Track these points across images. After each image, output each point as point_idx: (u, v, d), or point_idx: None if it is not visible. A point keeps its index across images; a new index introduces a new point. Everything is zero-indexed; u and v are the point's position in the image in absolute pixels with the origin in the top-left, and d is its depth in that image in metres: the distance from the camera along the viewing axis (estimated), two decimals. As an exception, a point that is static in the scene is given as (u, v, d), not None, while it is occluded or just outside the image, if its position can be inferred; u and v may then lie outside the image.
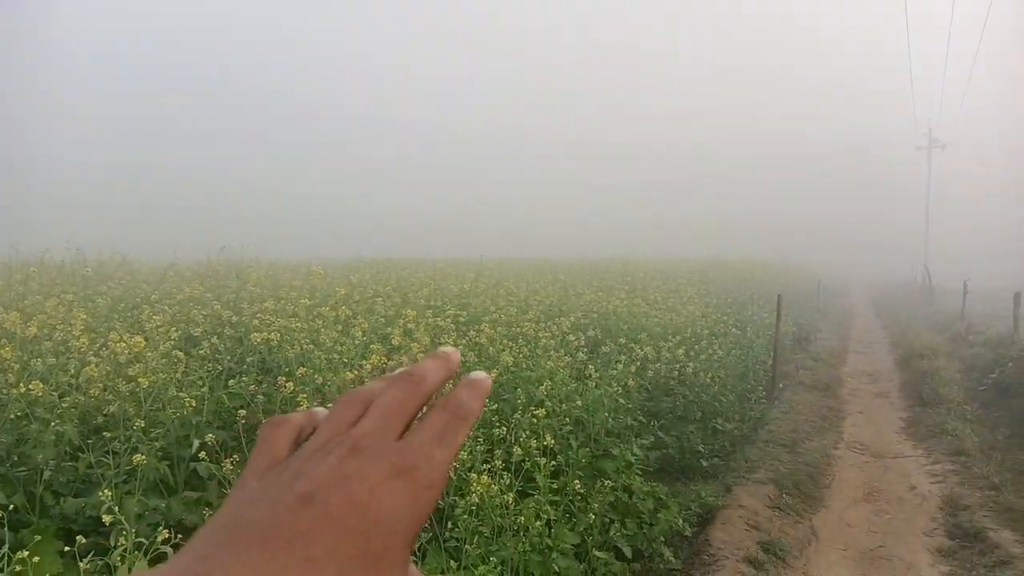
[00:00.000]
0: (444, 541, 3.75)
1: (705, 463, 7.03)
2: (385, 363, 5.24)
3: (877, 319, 23.54)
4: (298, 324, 6.29)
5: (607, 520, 4.78)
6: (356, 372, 4.89)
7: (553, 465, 4.76)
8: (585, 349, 7.15)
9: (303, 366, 5.02)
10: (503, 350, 6.26)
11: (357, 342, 5.70)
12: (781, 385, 10.34)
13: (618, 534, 4.67)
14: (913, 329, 18.13)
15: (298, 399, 4.27)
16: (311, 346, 5.52)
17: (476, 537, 3.58)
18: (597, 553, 4.36)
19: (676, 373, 7.92)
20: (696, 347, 8.74)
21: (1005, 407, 9.67)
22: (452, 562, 3.56)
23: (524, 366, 6.21)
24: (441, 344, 6.03)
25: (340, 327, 6.27)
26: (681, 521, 5.26)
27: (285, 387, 4.41)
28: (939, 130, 45.00)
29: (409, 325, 6.55)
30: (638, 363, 7.24)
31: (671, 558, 4.94)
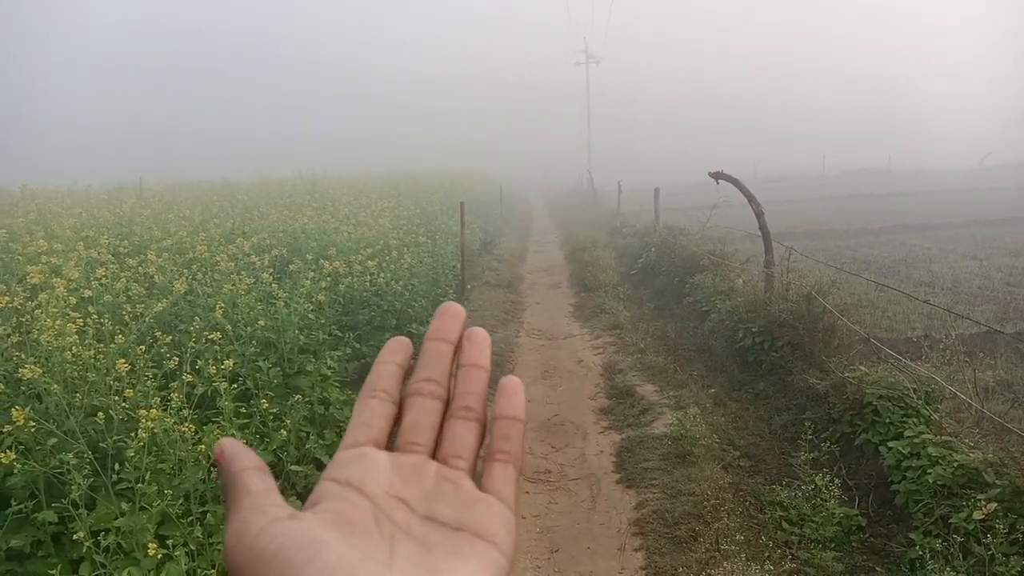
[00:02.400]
0: (114, 484, 3.41)
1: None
2: (22, 304, 4.47)
3: (551, 220, 26.10)
4: None
5: (303, 434, 4.75)
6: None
7: (241, 389, 4.56)
8: (271, 270, 6.84)
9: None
10: (176, 278, 5.73)
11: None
12: (469, 286, 11.04)
13: (315, 445, 4.67)
14: (579, 227, 20.46)
15: None
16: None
17: (150, 474, 3.30)
18: (293, 467, 4.32)
19: (369, 284, 7.99)
20: (388, 258, 8.86)
21: (649, 285, 11.48)
22: (125, 504, 3.26)
23: (201, 293, 5.77)
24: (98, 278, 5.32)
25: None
26: (379, 422, 5.42)
27: None
28: (594, 44, 49.95)
29: (53, 260, 5.64)
30: (329, 278, 7.14)
31: (371, 458, 5.10)
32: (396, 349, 0.44)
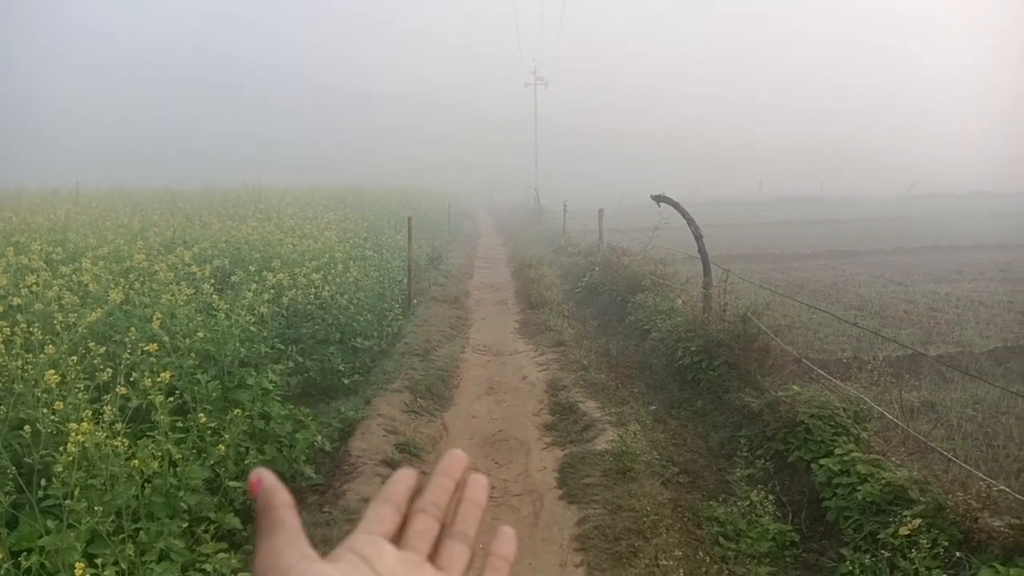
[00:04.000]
0: (40, 501, 3.27)
1: (347, 381, 7.22)
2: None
3: (499, 237, 26.22)
4: None
5: (242, 449, 4.64)
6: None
7: (178, 402, 4.44)
8: (212, 280, 6.69)
9: None
10: (112, 287, 5.56)
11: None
12: (416, 301, 10.99)
13: (255, 461, 4.58)
14: (525, 244, 20.62)
15: None
16: None
17: (79, 490, 3.18)
18: (232, 483, 4.22)
19: (314, 298, 7.89)
20: (333, 271, 8.77)
21: (593, 304, 11.64)
22: (51, 522, 3.13)
23: (139, 303, 5.60)
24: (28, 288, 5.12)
25: None
26: (321, 438, 5.35)
27: None
28: (543, 69, 50.63)
29: (-22, 266, 5.41)
30: (272, 291, 7.02)
31: (312, 474, 5.03)
32: (407, 475, 0.54)
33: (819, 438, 4.92)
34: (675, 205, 8.17)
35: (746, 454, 5.17)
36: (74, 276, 5.82)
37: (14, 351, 4.02)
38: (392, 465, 5.26)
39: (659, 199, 8.42)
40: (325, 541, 4.12)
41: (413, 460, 5.51)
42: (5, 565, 2.89)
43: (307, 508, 4.68)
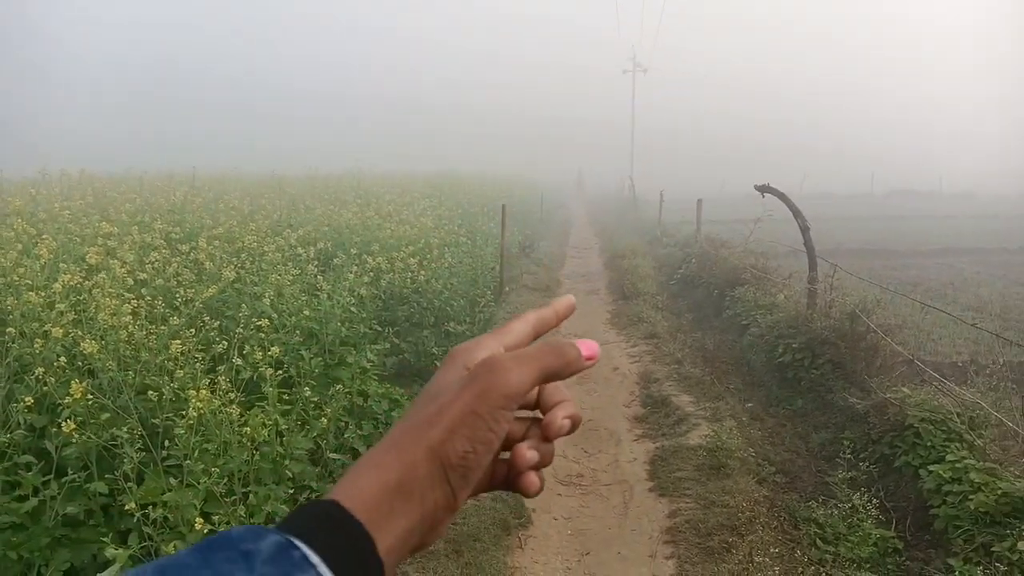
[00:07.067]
0: (163, 460, 3.52)
1: (439, 364, 7.36)
2: (80, 282, 4.65)
3: (591, 227, 26.04)
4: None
5: (342, 424, 4.84)
6: (42, 295, 4.28)
7: (284, 376, 4.66)
8: (316, 262, 6.98)
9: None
10: (225, 266, 5.89)
11: (43, 263, 4.95)
12: (508, 289, 11.09)
13: (353, 435, 4.76)
14: (619, 234, 20.40)
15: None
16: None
17: (198, 453, 3.41)
18: (332, 455, 4.41)
19: (410, 282, 8.10)
20: (429, 256, 8.96)
21: (689, 296, 11.40)
22: (172, 480, 3.37)
23: (249, 281, 5.92)
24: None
25: (20, 246, 5.39)
26: (415, 417, 5.49)
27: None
28: (641, 56, 49.73)
29: (109, 242, 5.85)
30: (371, 273, 7.26)
31: (406, 452, 5.17)
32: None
33: (929, 443, 4.65)
34: (781, 196, 7.88)
35: (849, 456, 4.95)
36: (191, 254, 6.20)
37: (139, 322, 4.34)
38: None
39: (763, 189, 8.14)
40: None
41: (504, 443, 5.58)
42: (136, 515, 3.14)
43: (401, 484, 4.82)
